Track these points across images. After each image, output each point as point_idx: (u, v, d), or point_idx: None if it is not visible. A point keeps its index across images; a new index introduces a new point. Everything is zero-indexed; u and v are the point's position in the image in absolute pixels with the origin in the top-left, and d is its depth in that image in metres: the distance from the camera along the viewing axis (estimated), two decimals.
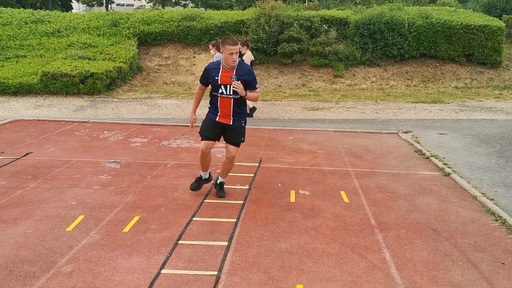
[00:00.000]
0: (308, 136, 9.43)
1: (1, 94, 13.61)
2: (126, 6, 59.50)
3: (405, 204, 5.71)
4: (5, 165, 6.96)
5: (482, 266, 4.19)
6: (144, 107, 12.58)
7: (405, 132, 9.86)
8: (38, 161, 7.20)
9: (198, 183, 5.84)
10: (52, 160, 7.29)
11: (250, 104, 10.81)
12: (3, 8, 21.44)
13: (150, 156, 7.68)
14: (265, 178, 6.65)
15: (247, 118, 6.08)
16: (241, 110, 5.50)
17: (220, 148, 7.75)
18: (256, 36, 17.24)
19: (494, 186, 6.43)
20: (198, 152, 5.50)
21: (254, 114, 11.45)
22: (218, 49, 10.51)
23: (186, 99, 14.21)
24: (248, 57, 10.82)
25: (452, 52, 17.82)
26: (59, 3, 46.73)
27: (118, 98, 13.99)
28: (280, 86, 16.84)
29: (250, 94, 5.41)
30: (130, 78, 16.31)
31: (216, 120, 5.45)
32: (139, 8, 36.21)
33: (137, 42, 17.90)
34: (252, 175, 6.74)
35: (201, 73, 5.64)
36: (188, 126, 10.16)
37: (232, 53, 5.19)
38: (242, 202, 5.65)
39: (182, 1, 49.05)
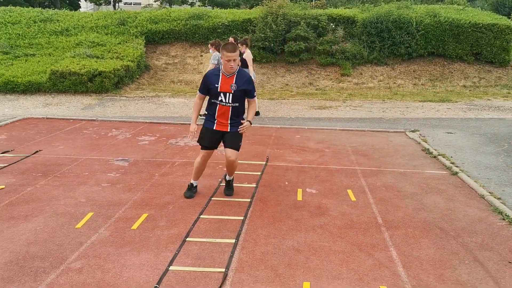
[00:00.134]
0: (315, 135, 9.45)
1: (10, 92, 13.73)
2: (134, 4, 59.65)
3: (412, 203, 5.72)
4: (15, 162, 7.04)
5: (488, 264, 4.20)
6: (152, 106, 12.65)
7: (412, 131, 9.85)
8: (47, 159, 7.27)
9: (192, 191, 5.80)
10: (61, 157, 7.37)
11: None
12: (12, 7, 21.60)
13: (157, 154, 7.73)
14: (272, 176, 6.68)
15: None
16: (238, 118, 5.42)
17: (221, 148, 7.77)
18: (263, 35, 17.25)
19: (501, 185, 6.42)
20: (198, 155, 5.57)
21: (261, 113, 11.48)
22: (217, 48, 10.52)
23: (193, 97, 14.24)
24: (249, 56, 10.79)
25: (460, 50, 17.73)
26: (67, 1, 46.93)
27: (125, 96, 14.06)
28: (287, 84, 16.84)
29: (251, 113, 5.51)
30: (137, 76, 16.38)
31: (214, 128, 5.42)
32: (146, 6, 36.30)
33: (144, 41, 17.96)
34: (259, 173, 6.77)
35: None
36: (197, 124, 10.23)
37: (229, 60, 5.13)
38: (249, 200, 5.68)
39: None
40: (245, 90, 5.29)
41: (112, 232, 4.72)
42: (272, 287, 3.77)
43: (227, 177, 5.87)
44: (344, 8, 21.42)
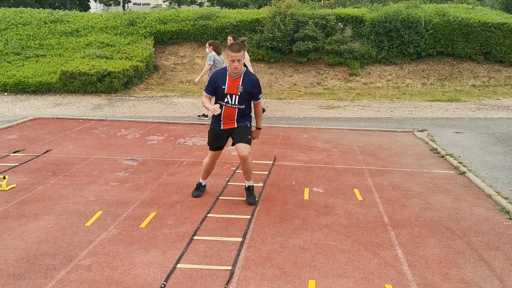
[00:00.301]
0: (322, 134, 9.47)
1: (21, 92, 13.89)
2: (143, 5, 59.92)
3: (418, 202, 5.74)
4: (26, 162, 7.15)
5: (494, 263, 4.21)
6: (161, 106, 12.74)
7: (420, 131, 9.85)
8: (57, 158, 7.37)
9: (200, 190, 5.84)
10: (71, 157, 7.46)
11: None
12: (23, 8, 21.82)
13: (166, 153, 7.81)
14: (279, 176, 6.72)
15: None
16: (245, 116, 5.40)
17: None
18: (271, 35, 17.29)
19: (509, 185, 6.41)
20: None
21: (269, 113, 11.52)
22: (214, 49, 10.58)
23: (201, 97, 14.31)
24: (246, 57, 10.84)
25: (469, 50, 17.65)
26: (77, 2, 47.27)
27: (134, 96, 14.17)
28: (295, 84, 16.87)
29: (259, 119, 5.61)
30: (146, 76, 16.49)
31: (221, 128, 5.39)
32: (155, 7, 36.48)
33: (153, 41, 18.06)
34: (267, 173, 6.82)
35: None
36: (205, 124, 10.29)
37: (233, 60, 5.11)
38: (256, 199, 5.72)
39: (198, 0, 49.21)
40: (251, 92, 5.27)
41: (121, 230, 4.79)
42: (278, 285, 3.81)
43: (246, 183, 5.65)
44: (353, 8, 21.39)
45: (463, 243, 4.61)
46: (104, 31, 18.82)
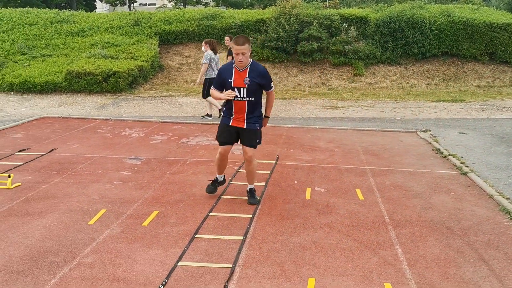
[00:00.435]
0: (326, 134, 9.50)
1: (27, 92, 14.00)
2: (149, 5, 60.14)
3: (420, 202, 5.76)
4: (31, 160, 7.22)
5: (493, 263, 4.23)
6: (165, 105, 12.81)
7: (424, 131, 9.85)
8: (62, 157, 7.44)
9: (214, 186, 5.78)
10: (75, 156, 7.53)
11: None
12: (29, 8, 21.97)
13: (169, 153, 7.86)
14: (281, 175, 6.76)
15: None
16: (255, 113, 5.34)
17: (237, 145, 7.88)
18: (276, 35, 17.33)
19: (511, 185, 6.41)
20: (217, 150, 5.60)
21: (273, 113, 11.56)
22: (211, 47, 10.61)
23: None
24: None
25: (474, 50, 17.62)
26: (84, 3, 47.52)
27: (139, 96, 14.25)
28: (299, 84, 16.90)
29: (269, 107, 5.56)
30: (151, 76, 16.58)
31: (230, 124, 5.35)
32: (161, 7, 36.60)
33: (158, 41, 18.16)
34: (269, 172, 6.86)
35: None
36: (209, 124, 10.35)
37: (237, 53, 5.04)
38: (258, 198, 5.76)
39: (203, 0, 49.35)
40: (260, 83, 5.20)
41: (124, 229, 4.84)
42: (277, 283, 3.85)
43: (249, 186, 5.69)
44: (358, 8, 21.40)
45: (463, 243, 4.63)
46: (109, 31, 18.94)
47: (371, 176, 6.78)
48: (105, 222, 5.00)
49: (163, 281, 3.83)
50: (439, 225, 5.06)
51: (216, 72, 10.72)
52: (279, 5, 18.37)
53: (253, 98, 5.24)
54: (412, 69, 17.63)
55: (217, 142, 5.62)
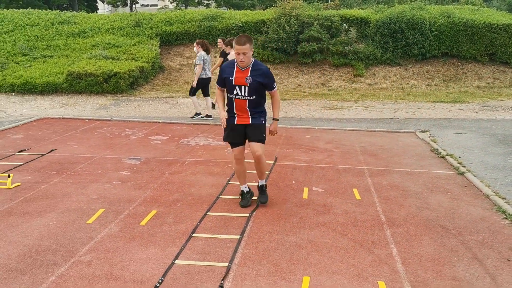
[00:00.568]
0: (325, 135, 9.54)
1: (28, 93, 14.08)
2: (150, 6, 60.31)
3: (416, 202, 5.80)
4: (31, 161, 7.28)
5: (487, 262, 4.26)
6: (166, 106, 12.86)
7: (423, 132, 9.89)
8: (62, 157, 7.50)
9: (245, 198, 5.60)
10: (75, 156, 7.59)
11: None
12: (31, 9, 22.07)
13: (169, 153, 7.91)
14: (279, 175, 6.80)
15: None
16: (258, 109, 5.31)
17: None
18: (276, 36, 17.38)
19: (507, 185, 6.45)
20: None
21: None
22: (203, 48, 10.66)
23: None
24: (232, 56, 10.95)
25: (474, 51, 17.64)
26: (85, 4, 47.64)
27: (140, 97, 14.31)
28: (299, 85, 16.94)
29: (276, 109, 5.42)
30: (152, 77, 16.64)
31: (235, 123, 5.31)
32: (162, 8, 36.69)
33: (159, 42, 18.23)
34: (267, 172, 6.90)
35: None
36: (208, 124, 10.41)
37: (238, 53, 5.02)
38: (256, 198, 5.80)
39: (205, 1, 49.47)
40: (261, 83, 5.15)
41: (122, 228, 4.89)
42: (272, 281, 3.89)
43: (259, 182, 5.64)
44: (359, 9, 21.44)
45: (457, 242, 4.67)
46: (110, 32, 19.02)
47: (369, 176, 6.82)
48: (103, 221, 5.05)
49: (160, 279, 3.88)
50: (434, 225, 5.10)
51: (208, 72, 10.87)
52: (280, 6, 18.42)
53: (254, 97, 5.20)
54: (412, 70, 17.66)
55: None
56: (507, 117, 11.76)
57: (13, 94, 14.08)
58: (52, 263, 4.12)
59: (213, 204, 5.60)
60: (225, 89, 5.40)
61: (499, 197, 5.86)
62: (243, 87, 5.15)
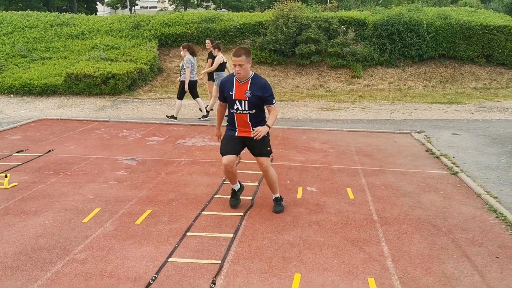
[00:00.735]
0: (321, 136, 9.61)
1: (27, 94, 14.15)
2: (150, 8, 60.45)
3: (409, 201, 5.86)
4: (28, 161, 7.34)
5: (476, 259, 4.33)
6: (164, 107, 12.93)
7: (418, 132, 9.95)
8: (59, 158, 7.57)
9: (235, 197, 5.65)
10: (72, 157, 7.65)
11: None
12: (30, 11, 22.15)
13: (165, 153, 7.98)
14: None
15: None
16: (259, 122, 5.21)
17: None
18: (274, 38, 17.45)
19: (499, 185, 6.52)
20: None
21: None
22: (189, 51, 10.75)
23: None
24: (219, 59, 11.13)
25: (471, 52, 17.71)
26: (85, 6, 47.77)
27: (138, 98, 14.38)
28: (297, 86, 17.02)
29: (272, 117, 5.12)
30: (150, 79, 16.71)
31: (236, 135, 5.27)
32: (161, 10, 36.80)
33: (157, 44, 18.30)
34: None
35: None
36: (205, 125, 10.48)
37: (235, 65, 4.98)
38: (251, 198, 5.87)
39: (204, 2, 49.60)
40: (261, 97, 5.08)
41: (117, 227, 4.96)
42: (264, 278, 3.96)
43: (273, 196, 5.57)
44: (357, 11, 21.52)
45: (447, 240, 4.74)
46: (109, 34, 19.09)
47: (363, 176, 6.89)
48: (98, 220, 5.12)
49: (153, 276, 3.94)
50: (426, 223, 5.16)
51: (195, 75, 10.99)
52: (278, 8, 18.50)
53: (254, 111, 5.15)
54: (410, 71, 17.73)
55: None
56: (503, 118, 11.83)
57: (11, 95, 14.15)
58: (47, 260, 4.19)
59: (208, 204, 5.67)
60: (226, 106, 5.34)
61: (491, 196, 5.93)
62: (243, 101, 5.09)
